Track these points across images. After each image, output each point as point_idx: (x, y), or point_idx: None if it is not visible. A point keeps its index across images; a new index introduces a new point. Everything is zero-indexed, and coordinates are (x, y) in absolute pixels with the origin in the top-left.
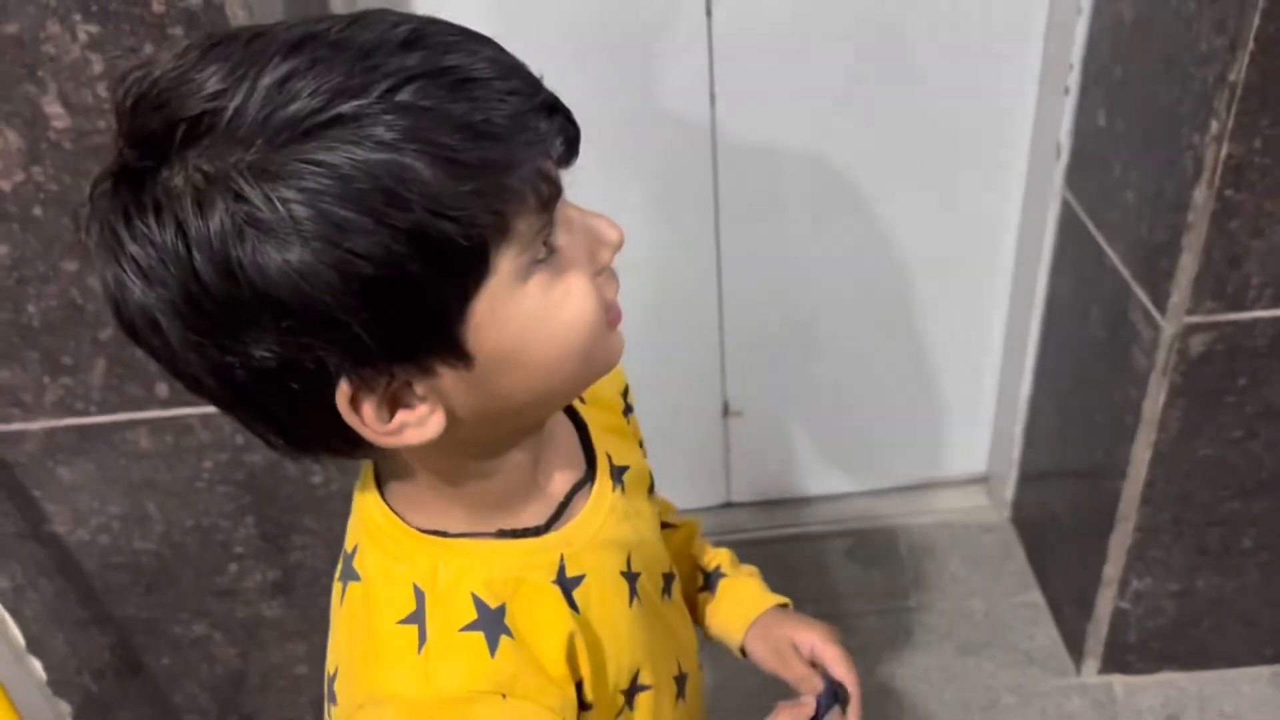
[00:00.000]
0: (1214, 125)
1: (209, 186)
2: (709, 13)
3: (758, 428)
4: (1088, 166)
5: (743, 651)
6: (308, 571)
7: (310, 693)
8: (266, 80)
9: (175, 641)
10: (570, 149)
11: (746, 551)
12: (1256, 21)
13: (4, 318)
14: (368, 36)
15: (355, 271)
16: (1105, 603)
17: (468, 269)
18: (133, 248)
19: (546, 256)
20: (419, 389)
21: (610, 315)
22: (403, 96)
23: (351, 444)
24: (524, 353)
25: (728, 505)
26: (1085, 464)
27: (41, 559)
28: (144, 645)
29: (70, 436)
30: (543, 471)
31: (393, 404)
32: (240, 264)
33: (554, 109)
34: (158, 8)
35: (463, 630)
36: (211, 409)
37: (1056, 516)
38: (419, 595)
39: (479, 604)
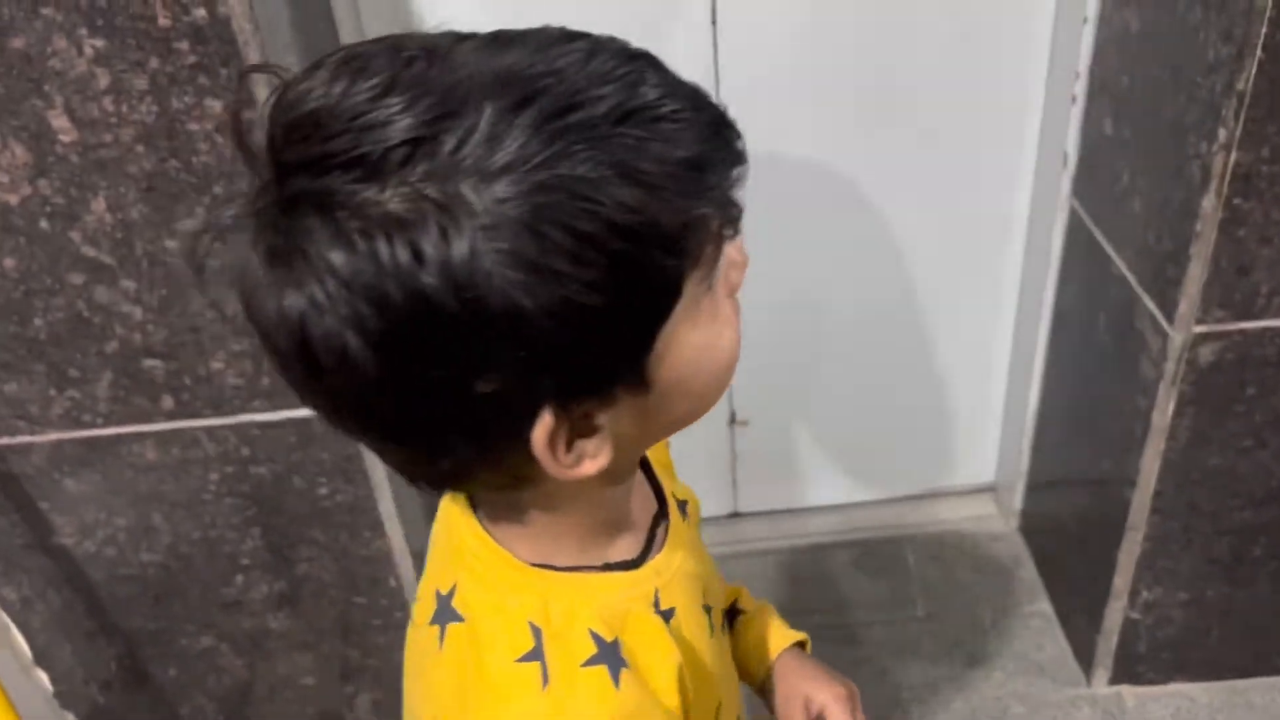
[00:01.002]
0: (1222, 134)
1: (447, 213)
2: (714, 21)
3: (765, 437)
4: (1095, 175)
5: (762, 690)
6: (314, 583)
7: (317, 704)
8: (481, 128)
9: (182, 653)
10: (743, 155)
11: (754, 562)
12: (1264, 30)
13: (11, 331)
14: (569, 84)
15: (583, 302)
16: (1115, 613)
17: (668, 296)
18: (339, 271)
19: (713, 282)
20: (600, 419)
21: None
22: (613, 132)
23: (516, 480)
24: (690, 379)
25: (735, 515)
26: (1094, 473)
27: (49, 571)
28: (151, 657)
29: (77, 449)
30: (635, 502)
31: (572, 436)
32: (481, 291)
33: (733, 130)
34: (164, 22)
35: (585, 665)
36: (215, 422)
37: (1065, 526)
38: (535, 632)
39: (596, 638)
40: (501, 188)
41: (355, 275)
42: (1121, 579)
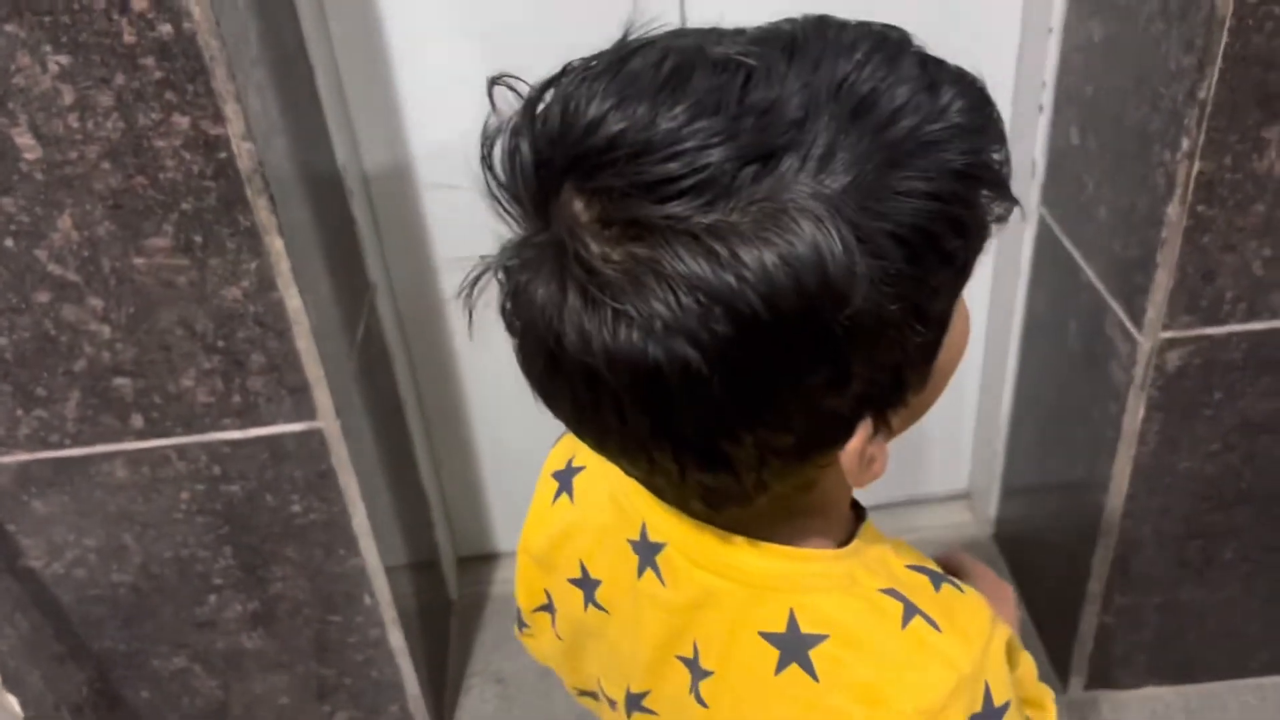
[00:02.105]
0: (1185, 142)
1: (817, 223)
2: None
3: None
4: (1062, 184)
5: None
6: (288, 602)
7: None
8: (847, 100)
9: (155, 674)
10: None
11: None
12: (1224, 39)
13: None
14: (887, 92)
15: (928, 307)
16: (1090, 618)
17: (964, 282)
18: (708, 283)
19: None
20: (894, 420)
21: None
22: (931, 134)
23: (801, 489)
24: (946, 370)
25: None
26: (1067, 479)
27: (17, 593)
28: (123, 679)
29: (45, 469)
30: None
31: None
32: (855, 303)
33: (998, 114)
34: (129, 38)
35: (937, 592)
36: (185, 440)
37: (1039, 532)
38: (893, 594)
39: (916, 569)
40: (854, 199)
41: (721, 291)
42: (1095, 584)
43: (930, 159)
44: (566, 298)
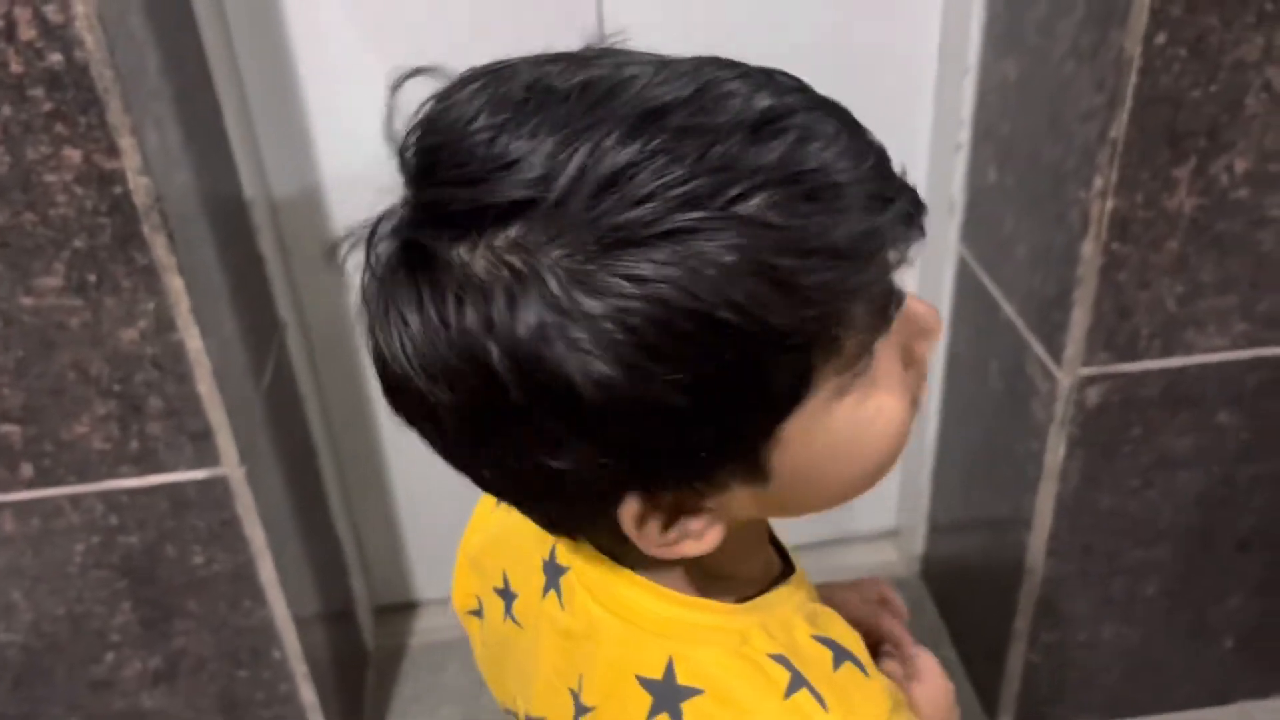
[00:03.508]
0: (1098, 181)
1: (520, 283)
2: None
3: None
4: (981, 222)
5: None
6: (192, 658)
7: None
8: (601, 170)
9: None
10: (919, 232)
11: None
12: (1133, 79)
13: None
14: (719, 121)
15: (664, 399)
16: (1016, 656)
17: (790, 398)
18: (416, 332)
19: (865, 368)
20: (708, 502)
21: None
22: (749, 208)
23: (621, 542)
24: (823, 470)
25: None
26: (991, 517)
27: None
28: None
29: None
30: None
31: (674, 514)
32: (545, 371)
33: (906, 197)
34: (16, 68)
35: (836, 670)
36: (80, 489)
37: (966, 570)
38: (782, 660)
39: (820, 640)
40: (593, 262)
41: (427, 339)
42: (1021, 622)
43: (725, 235)
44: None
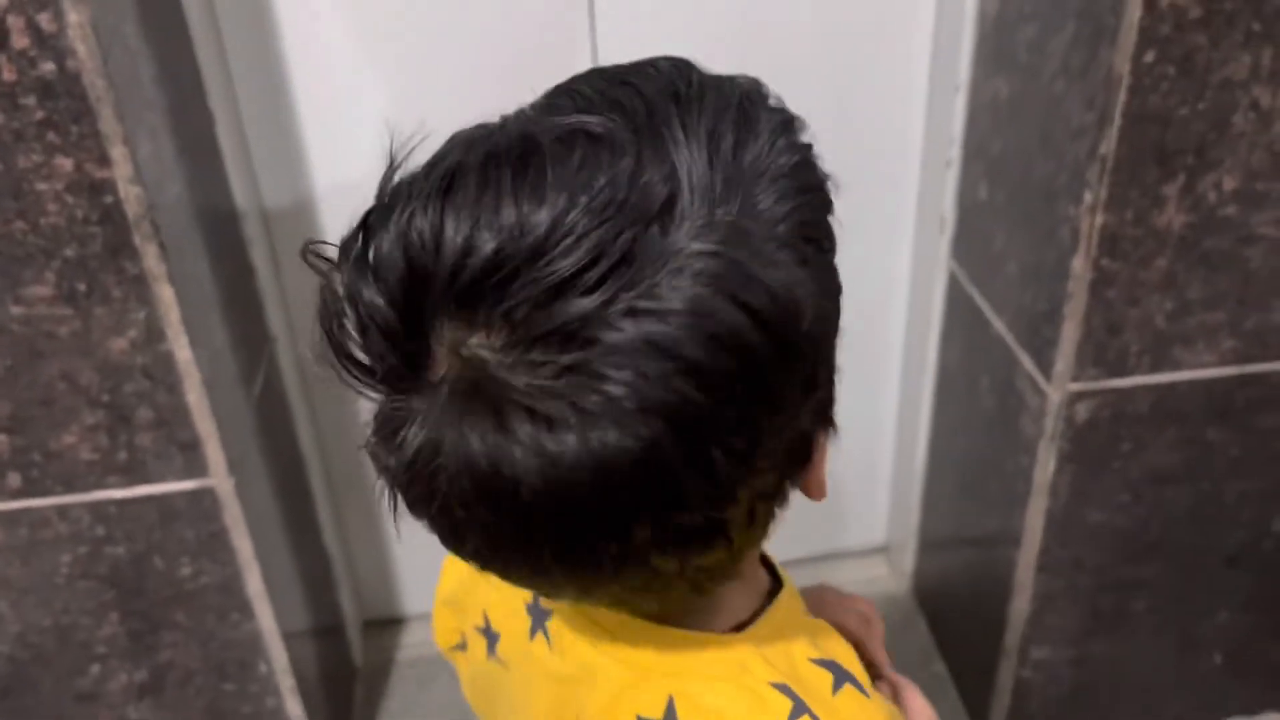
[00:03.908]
0: (1088, 197)
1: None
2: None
3: None
4: (971, 238)
5: None
6: (178, 671)
7: None
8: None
9: None
10: None
11: None
12: (1122, 97)
13: None
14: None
15: (835, 284)
16: (1006, 672)
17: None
18: (650, 351)
19: None
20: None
21: None
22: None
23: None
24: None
25: None
26: (981, 532)
27: None
28: None
29: None
30: None
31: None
32: (797, 297)
33: None
34: (8, 76)
35: (835, 693)
36: (67, 499)
37: (956, 586)
38: (784, 689)
39: (819, 663)
40: (759, 231)
41: (676, 341)
42: (1011, 637)
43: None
44: (509, 431)
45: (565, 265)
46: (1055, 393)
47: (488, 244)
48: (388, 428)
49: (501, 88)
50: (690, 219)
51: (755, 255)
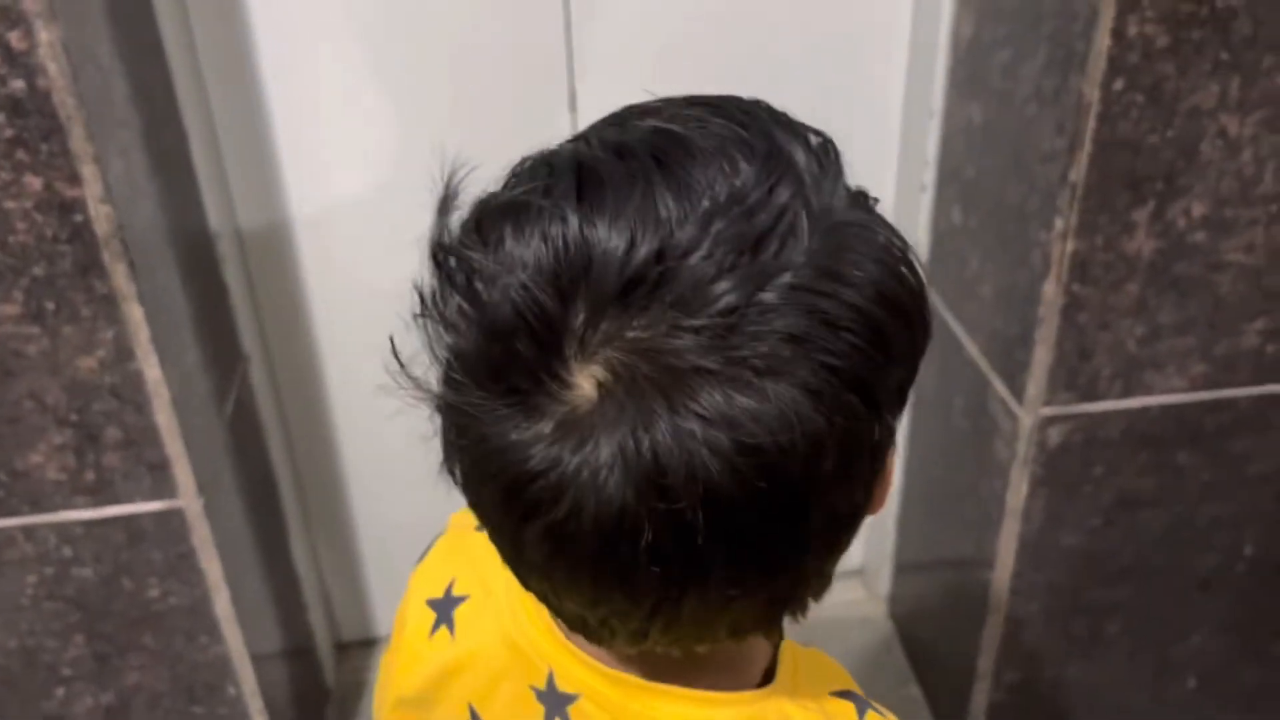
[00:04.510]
0: (1059, 223)
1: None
2: (573, 107)
3: None
4: (946, 261)
5: None
6: (145, 694)
7: None
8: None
9: None
10: None
11: None
12: (1092, 124)
13: None
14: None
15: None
16: (981, 695)
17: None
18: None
19: None
20: None
21: None
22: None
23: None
24: None
25: None
26: (955, 555)
27: None
28: None
29: None
30: None
31: None
32: (917, 303)
33: None
34: None
35: None
36: (33, 520)
37: (931, 609)
38: None
39: (842, 695)
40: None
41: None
42: (985, 661)
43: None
44: (686, 410)
45: (722, 252)
46: (1028, 417)
47: (648, 242)
48: (502, 447)
49: (480, 107)
50: (835, 193)
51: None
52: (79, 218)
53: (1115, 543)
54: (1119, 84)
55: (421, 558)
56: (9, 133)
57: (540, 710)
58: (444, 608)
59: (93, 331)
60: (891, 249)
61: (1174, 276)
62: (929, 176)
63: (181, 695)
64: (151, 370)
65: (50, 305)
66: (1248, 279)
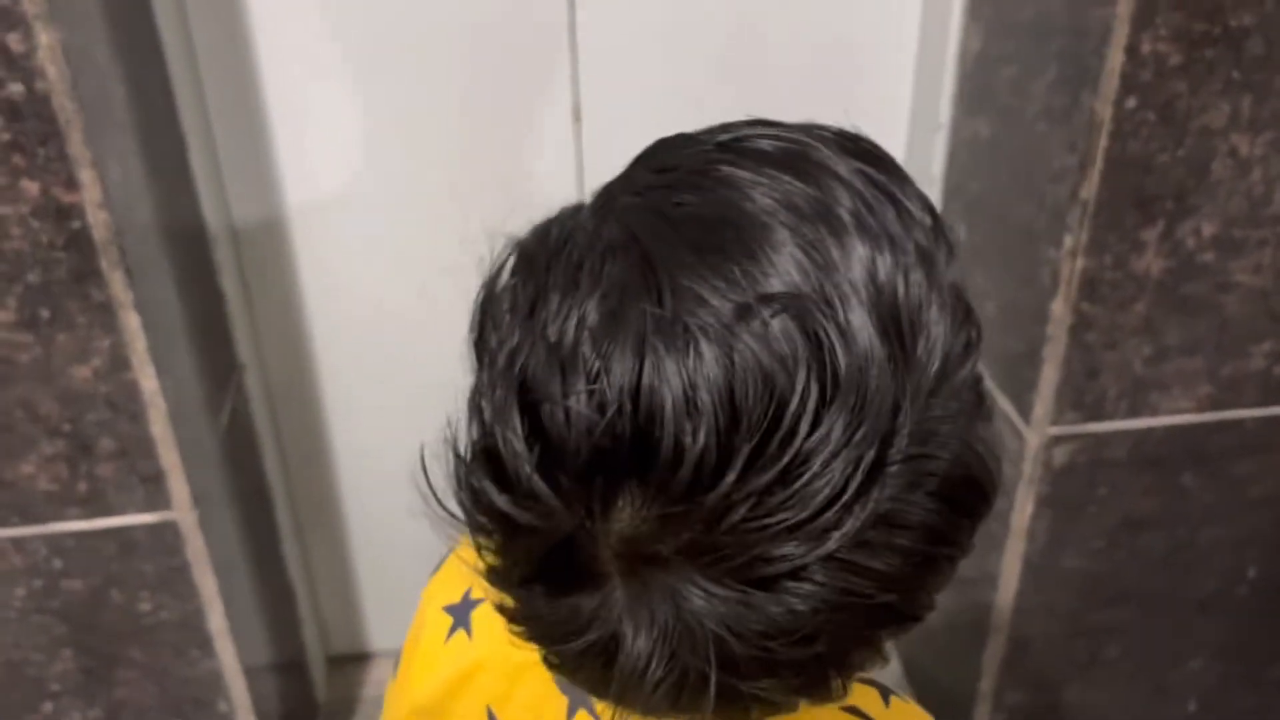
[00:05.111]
0: (1068, 240)
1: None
2: (578, 118)
3: None
4: None
5: None
6: (133, 709)
7: None
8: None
9: None
10: None
11: None
12: (1104, 142)
13: None
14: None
15: None
16: (983, 717)
17: None
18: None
19: None
20: None
21: None
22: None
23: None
24: None
25: None
26: (958, 575)
27: None
28: None
29: None
30: None
31: None
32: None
33: None
34: None
35: (887, 708)
36: (23, 531)
37: (932, 629)
38: (856, 712)
39: (867, 682)
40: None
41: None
42: (987, 682)
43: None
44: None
45: (806, 506)
46: (1034, 436)
47: (699, 443)
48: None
49: (477, 107)
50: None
51: None
52: (76, 224)
53: (1117, 565)
54: (1131, 102)
55: (435, 570)
56: (5, 137)
57: (564, 702)
58: (461, 612)
59: (88, 340)
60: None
61: (1182, 297)
62: (934, 192)
63: (170, 711)
64: (148, 381)
65: (45, 313)
66: (1255, 300)
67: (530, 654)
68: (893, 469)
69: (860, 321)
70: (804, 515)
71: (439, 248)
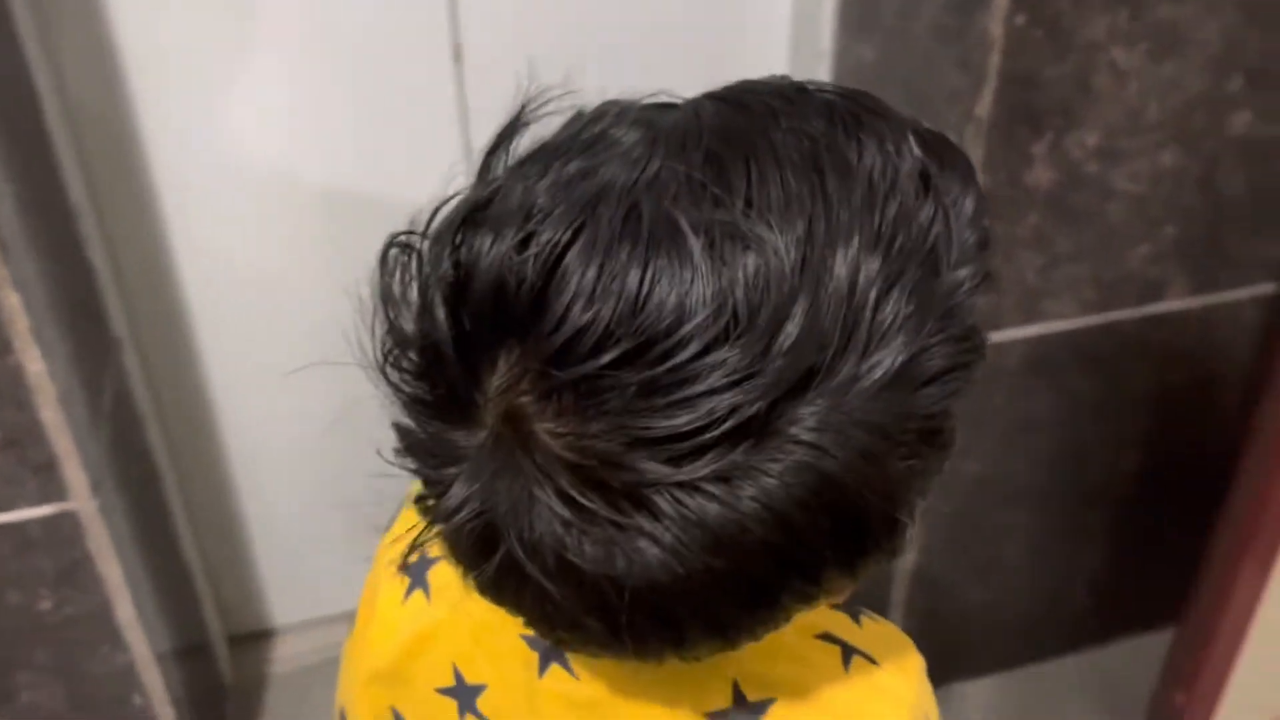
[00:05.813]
0: None
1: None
2: (458, 58)
3: None
4: None
5: None
6: (40, 713)
7: None
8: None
9: None
10: None
11: None
12: (996, 60)
13: None
14: None
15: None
16: (895, 623)
17: None
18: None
19: None
20: None
21: None
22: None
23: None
24: None
25: None
26: None
27: None
28: None
29: None
30: None
31: None
32: None
33: None
34: None
35: (860, 627)
36: None
37: None
38: (828, 638)
39: (836, 607)
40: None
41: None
42: (898, 591)
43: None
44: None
45: (680, 420)
46: None
47: (583, 316)
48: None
49: (360, 64)
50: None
51: None
52: None
53: (1012, 467)
54: (1020, 19)
55: (387, 527)
56: None
57: (533, 657)
58: (417, 571)
59: None
60: None
61: (1069, 207)
62: None
63: (83, 711)
64: (33, 363)
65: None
66: (1133, 206)
67: (494, 612)
68: (776, 442)
69: (812, 301)
70: (661, 433)
71: (311, 203)
